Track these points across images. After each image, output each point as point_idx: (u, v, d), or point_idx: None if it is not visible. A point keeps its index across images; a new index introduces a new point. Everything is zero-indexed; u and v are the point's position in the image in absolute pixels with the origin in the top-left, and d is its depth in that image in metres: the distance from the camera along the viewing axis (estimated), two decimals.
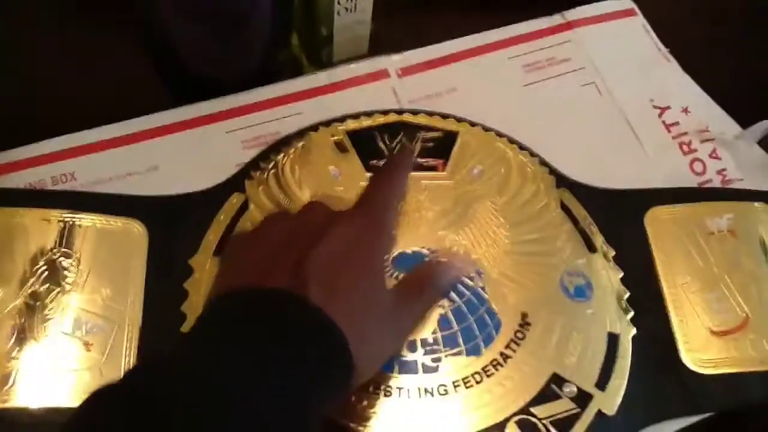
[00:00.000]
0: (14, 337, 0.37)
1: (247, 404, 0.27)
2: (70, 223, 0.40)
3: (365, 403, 0.37)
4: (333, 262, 0.33)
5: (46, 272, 0.39)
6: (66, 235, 0.40)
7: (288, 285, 0.31)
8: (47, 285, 0.38)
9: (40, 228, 0.40)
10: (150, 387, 0.26)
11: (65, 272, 0.39)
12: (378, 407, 0.37)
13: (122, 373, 0.37)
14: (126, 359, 0.37)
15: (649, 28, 0.55)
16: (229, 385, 0.27)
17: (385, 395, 0.37)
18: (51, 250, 0.40)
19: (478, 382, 0.38)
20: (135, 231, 0.41)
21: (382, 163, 0.45)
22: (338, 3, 0.47)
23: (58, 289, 0.38)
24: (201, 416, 0.25)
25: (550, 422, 0.37)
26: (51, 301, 0.38)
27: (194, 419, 0.25)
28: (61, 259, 0.39)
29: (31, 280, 0.38)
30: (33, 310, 0.38)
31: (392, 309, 0.35)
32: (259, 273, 0.33)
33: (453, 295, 0.40)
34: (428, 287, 0.38)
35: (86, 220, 0.41)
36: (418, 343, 0.39)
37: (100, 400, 0.26)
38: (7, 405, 0.35)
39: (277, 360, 0.29)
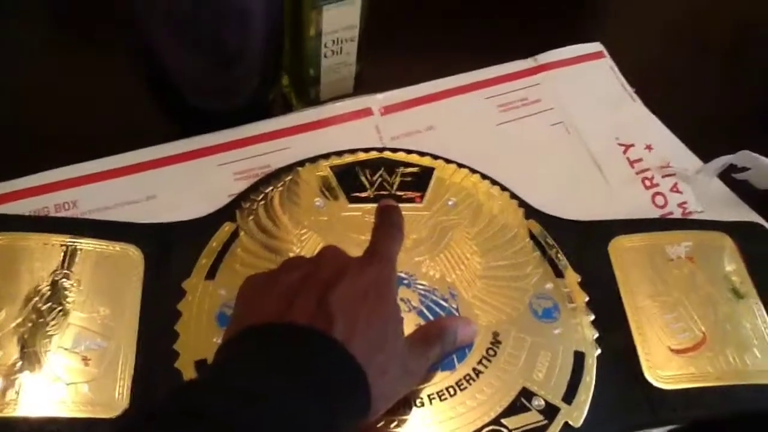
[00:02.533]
0: (18, 351, 0.39)
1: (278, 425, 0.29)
2: (72, 247, 0.43)
3: None
4: (353, 302, 0.34)
5: (49, 292, 0.41)
6: (67, 259, 0.43)
7: (311, 321, 0.33)
8: (49, 304, 0.41)
9: (44, 252, 0.43)
10: (193, 405, 0.28)
11: (66, 293, 0.42)
12: None
13: (117, 388, 0.39)
14: (121, 374, 0.40)
15: (616, 69, 0.59)
16: (262, 413, 0.29)
17: None
18: (54, 272, 0.42)
19: (452, 395, 0.41)
20: (132, 255, 0.44)
21: (363, 195, 0.48)
22: (325, 46, 0.50)
23: (60, 308, 0.41)
24: None
25: None
26: (53, 319, 0.41)
27: None
28: (63, 280, 0.42)
29: (35, 299, 0.41)
30: (36, 326, 0.40)
31: (406, 353, 0.37)
32: (281, 309, 0.34)
33: (429, 315, 0.43)
34: (440, 340, 0.40)
35: (86, 244, 0.44)
36: None
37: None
38: (10, 414, 0.37)
39: (303, 390, 0.30)
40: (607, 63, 0.59)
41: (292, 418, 0.29)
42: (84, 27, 0.56)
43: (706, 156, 0.53)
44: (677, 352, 0.44)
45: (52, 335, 0.40)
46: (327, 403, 0.31)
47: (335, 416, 0.31)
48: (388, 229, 0.41)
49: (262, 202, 0.47)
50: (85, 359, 0.40)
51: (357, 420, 0.33)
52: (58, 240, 0.43)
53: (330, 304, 0.33)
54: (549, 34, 0.60)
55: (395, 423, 0.39)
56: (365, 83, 0.55)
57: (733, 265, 0.48)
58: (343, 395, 0.32)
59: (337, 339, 0.32)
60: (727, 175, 0.53)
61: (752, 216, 0.51)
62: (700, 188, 0.53)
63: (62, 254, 0.43)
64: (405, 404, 0.40)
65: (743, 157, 0.51)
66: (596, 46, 0.60)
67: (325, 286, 0.34)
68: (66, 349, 0.40)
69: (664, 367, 0.43)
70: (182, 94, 0.50)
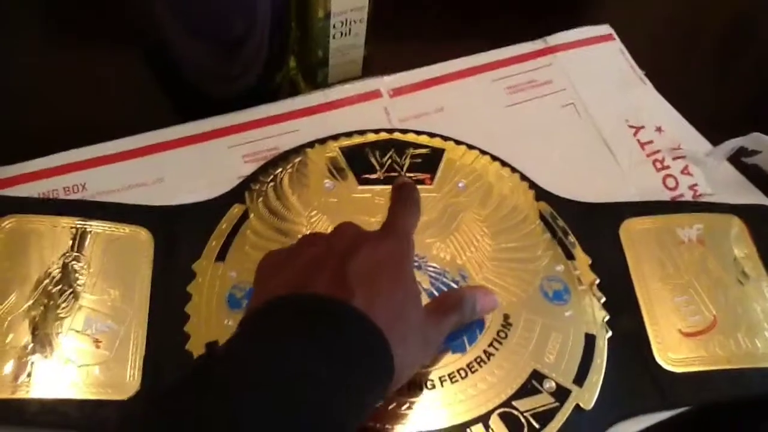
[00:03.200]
0: (30, 333, 0.39)
1: (311, 395, 0.29)
2: (81, 229, 0.43)
3: None
4: (371, 272, 0.35)
5: (60, 275, 0.41)
6: (77, 241, 0.43)
7: (332, 291, 0.33)
8: (60, 286, 0.41)
9: (53, 234, 0.43)
10: (216, 380, 0.29)
11: (77, 275, 0.42)
12: None
13: (128, 370, 0.39)
14: (132, 356, 0.40)
15: (625, 51, 0.58)
16: (292, 380, 0.29)
17: None
18: (64, 254, 0.42)
19: (463, 378, 0.41)
20: (141, 237, 0.44)
21: (373, 177, 0.48)
22: (333, 27, 0.50)
23: (71, 291, 0.41)
24: (270, 408, 0.28)
25: (531, 415, 0.40)
26: (64, 302, 0.41)
27: (264, 410, 0.28)
28: (73, 262, 0.42)
29: (45, 282, 0.41)
30: (47, 309, 0.40)
31: (424, 322, 0.37)
32: (301, 282, 0.34)
33: None
34: (457, 309, 0.40)
35: (96, 227, 0.44)
36: None
37: (162, 402, 0.29)
38: (23, 395, 0.37)
39: (333, 359, 0.30)
40: (617, 45, 0.58)
41: (317, 386, 0.29)
42: (94, 14, 0.56)
43: (715, 139, 0.53)
44: (688, 335, 0.44)
45: (63, 318, 0.40)
46: (352, 368, 0.31)
47: (362, 381, 0.31)
48: (405, 204, 0.42)
49: (272, 184, 0.47)
50: (96, 341, 0.40)
51: (383, 386, 0.33)
52: (67, 222, 0.43)
53: (349, 275, 0.34)
54: (558, 16, 0.60)
55: (407, 405, 0.39)
56: (374, 66, 0.55)
57: (743, 248, 0.47)
58: (368, 361, 0.32)
59: (358, 308, 0.32)
60: (736, 159, 0.52)
61: (762, 199, 0.51)
62: (710, 171, 0.52)
63: (72, 237, 0.43)
64: (416, 386, 0.40)
65: (753, 140, 0.51)
66: (605, 29, 0.59)
67: (343, 258, 0.35)
68: (77, 331, 0.40)
69: (674, 350, 0.43)
70: (189, 79, 0.50)
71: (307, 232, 0.45)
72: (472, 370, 0.41)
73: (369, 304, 0.33)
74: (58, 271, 0.41)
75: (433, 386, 0.40)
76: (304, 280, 0.34)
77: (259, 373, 0.29)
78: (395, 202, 0.42)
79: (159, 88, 0.51)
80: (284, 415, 0.28)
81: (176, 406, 0.28)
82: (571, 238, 0.47)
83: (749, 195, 0.51)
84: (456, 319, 0.39)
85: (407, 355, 0.34)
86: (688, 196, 0.51)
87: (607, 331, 0.43)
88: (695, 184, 0.52)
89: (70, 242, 0.43)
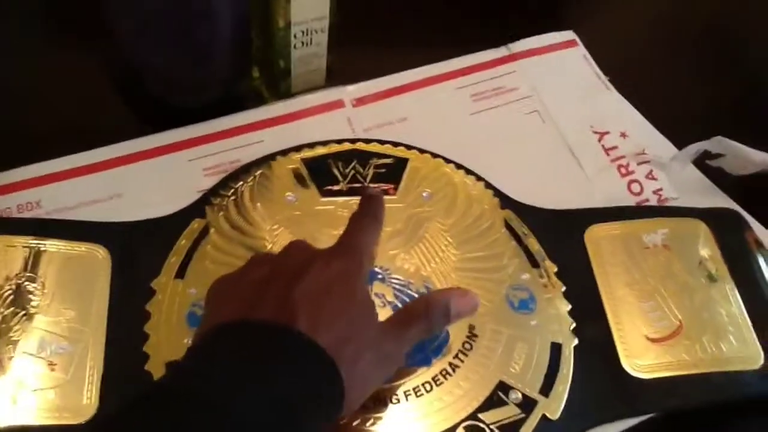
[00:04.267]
0: None
1: (243, 427, 0.28)
2: (36, 248, 0.42)
3: None
4: (317, 295, 0.34)
5: (12, 296, 0.40)
6: (31, 261, 0.42)
7: (274, 317, 0.32)
8: (12, 308, 0.40)
9: (6, 254, 0.42)
10: (154, 413, 0.28)
11: (30, 296, 0.40)
12: None
13: (85, 393, 0.38)
14: (89, 378, 0.39)
15: (589, 57, 0.58)
16: (228, 405, 0.28)
17: None
18: (16, 275, 0.41)
19: (428, 391, 0.40)
20: (98, 256, 0.43)
21: (336, 188, 0.47)
22: (294, 37, 0.49)
23: (24, 312, 0.40)
24: None
25: (497, 427, 0.39)
26: (16, 324, 0.39)
27: None
28: (27, 283, 0.41)
29: None
30: None
31: (381, 338, 0.36)
32: (245, 307, 0.33)
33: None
34: (421, 318, 0.37)
35: (51, 245, 0.42)
36: None
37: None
38: None
39: (274, 383, 0.30)
40: (580, 51, 0.59)
41: (259, 414, 0.29)
42: (51, 25, 0.55)
43: (680, 143, 0.53)
44: (654, 340, 0.43)
45: (15, 340, 0.39)
46: (291, 399, 0.30)
47: (304, 412, 0.31)
48: (361, 219, 0.41)
49: (233, 198, 0.46)
50: (51, 364, 0.39)
51: (333, 411, 0.32)
52: (20, 241, 0.42)
53: (295, 297, 0.33)
54: (521, 23, 0.60)
55: (371, 421, 0.39)
56: (337, 75, 0.54)
57: (708, 252, 0.47)
58: (314, 387, 0.31)
59: (302, 332, 0.32)
60: (701, 162, 0.53)
61: (727, 202, 0.51)
62: (675, 175, 0.52)
63: (26, 256, 0.42)
64: (381, 401, 0.39)
65: (717, 144, 0.51)
66: (569, 35, 0.59)
67: (290, 281, 0.34)
68: (31, 354, 0.39)
69: (641, 356, 0.43)
70: (150, 89, 0.49)
71: (269, 247, 0.45)
72: (438, 383, 0.40)
73: (314, 326, 0.32)
74: (10, 292, 0.40)
75: (398, 401, 0.40)
76: (249, 306, 0.33)
77: (200, 407, 0.28)
78: (354, 217, 0.41)
79: (120, 101, 0.50)
80: None
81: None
82: (537, 246, 0.46)
83: (714, 198, 0.52)
84: (423, 327, 0.37)
85: (361, 375, 0.34)
86: (653, 201, 0.51)
87: (573, 339, 0.43)
88: (660, 189, 0.52)
89: (24, 262, 0.41)
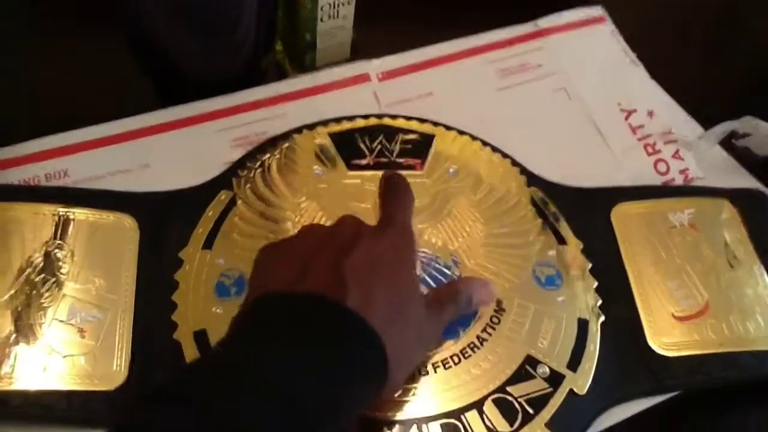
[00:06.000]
0: (12, 324, 0.38)
1: (291, 400, 0.28)
2: (64, 216, 0.42)
3: None
4: (368, 269, 0.33)
5: (42, 263, 0.40)
6: (60, 229, 0.42)
7: (325, 289, 0.32)
8: (43, 275, 0.40)
9: (35, 222, 0.42)
10: (201, 387, 0.28)
11: (60, 263, 0.41)
12: None
13: (115, 360, 0.38)
14: (119, 346, 0.39)
15: (617, 34, 0.58)
16: (276, 381, 0.28)
17: None
18: (46, 242, 0.41)
19: (456, 364, 0.40)
20: (126, 225, 0.43)
21: (363, 163, 0.47)
22: (321, 10, 0.49)
23: (54, 280, 0.40)
24: (242, 410, 0.27)
25: (525, 400, 0.39)
26: (47, 291, 0.40)
27: (234, 412, 0.27)
28: (56, 251, 0.41)
29: (28, 271, 0.40)
30: (30, 299, 0.39)
31: (424, 317, 0.36)
32: (295, 277, 0.33)
33: (432, 283, 0.43)
34: (451, 302, 0.39)
35: (79, 214, 0.42)
36: None
37: (152, 403, 0.28)
38: (5, 387, 0.36)
39: (319, 361, 0.30)
40: (609, 28, 0.58)
41: (295, 401, 0.28)
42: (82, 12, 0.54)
43: (707, 123, 0.53)
44: (680, 319, 0.43)
45: (46, 307, 0.39)
46: (337, 376, 0.30)
47: (350, 391, 0.30)
48: (398, 196, 0.41)
49: (260, 170, 0.46)
50: (81, 331, 0.39)
51: (376, 389, 0.32)
52: (49, 210, 0.42)
53: (345, 271, 0.33)
54: None
55: (400, 392, 0.39)
56: (362, 49, 0.54)
57: (734, 233, 0.47)
58: (359, 365, 0.31)
59: (352, 308, 0.31)
60: (727, 142, 0.52)
61: (752, 182, 0.51)
62: (701, 154, 0.52)
63: (54, 224, 0.42)
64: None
65: (745, 123, 0.51)
66: (597, 11, 0.58)
67: (340, 253, 0.34)
68: (61, 321, 0.39)
69: (667, 334, 0.43)
70: (175, 63, 0.48)
71: (296, 219, 0.45)
72: (466, 356, 0.40)
73: (365, 302, 0.32)
74: (40, 259, 0.40)
75: (427, 372, 0.40)
76: (297, 276, 0.33)
77: (248, 380, 0.28)
78: (387, 196, 0.41)
79: (145, 73, 0.50)
80: (269, 413, 0.27)
81: (168, 410, 0.27)
82: (563, 223, 0.46)
83: (740, 179, 0.51)
84: (452, 312, 0.39)
85: (405, 355, 0.34)
86: (680, 181, 0.51)
87: (599, 316, 0.43)
88: (686, 169, 0.51)
89: (53, 230, 0.41)
